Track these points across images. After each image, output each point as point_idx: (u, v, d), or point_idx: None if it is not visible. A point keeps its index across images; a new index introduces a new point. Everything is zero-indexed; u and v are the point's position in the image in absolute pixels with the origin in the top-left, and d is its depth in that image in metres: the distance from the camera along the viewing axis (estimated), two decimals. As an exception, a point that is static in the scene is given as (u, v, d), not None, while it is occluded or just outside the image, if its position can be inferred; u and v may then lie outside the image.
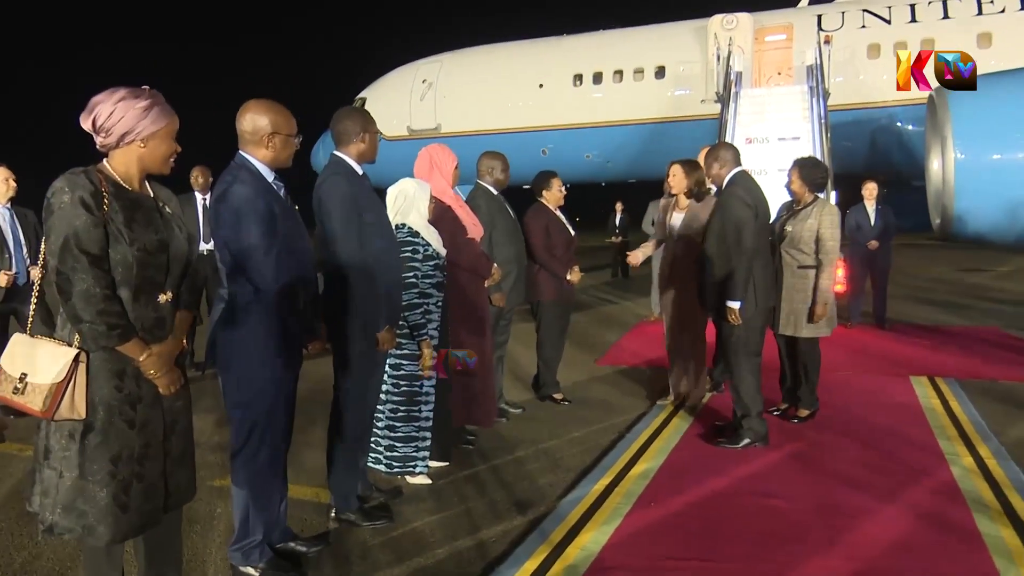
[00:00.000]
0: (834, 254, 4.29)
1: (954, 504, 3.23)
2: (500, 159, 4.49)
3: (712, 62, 12.06)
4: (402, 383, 3.46)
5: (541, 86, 13.81)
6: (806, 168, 4.44)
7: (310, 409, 3.86)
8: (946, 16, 11.53)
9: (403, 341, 3.36)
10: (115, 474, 1.98)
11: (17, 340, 2.01)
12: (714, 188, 4.90)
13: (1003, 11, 11.14)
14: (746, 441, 4.01)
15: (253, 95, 2.63)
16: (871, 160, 11.69)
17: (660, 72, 13.04)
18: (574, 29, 14.98)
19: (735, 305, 3.92)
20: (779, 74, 12.58)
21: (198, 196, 6.29)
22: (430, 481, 3.58)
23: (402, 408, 3.47)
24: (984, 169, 7.20)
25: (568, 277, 4.85)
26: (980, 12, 11.29)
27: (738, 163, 4.14)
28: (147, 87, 2.08)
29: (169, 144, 2.11)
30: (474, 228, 3.95)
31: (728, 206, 3.98)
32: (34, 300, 2.15)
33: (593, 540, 2.92)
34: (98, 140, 2.03)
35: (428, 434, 3.52)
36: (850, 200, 8.03)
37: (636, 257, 5.26)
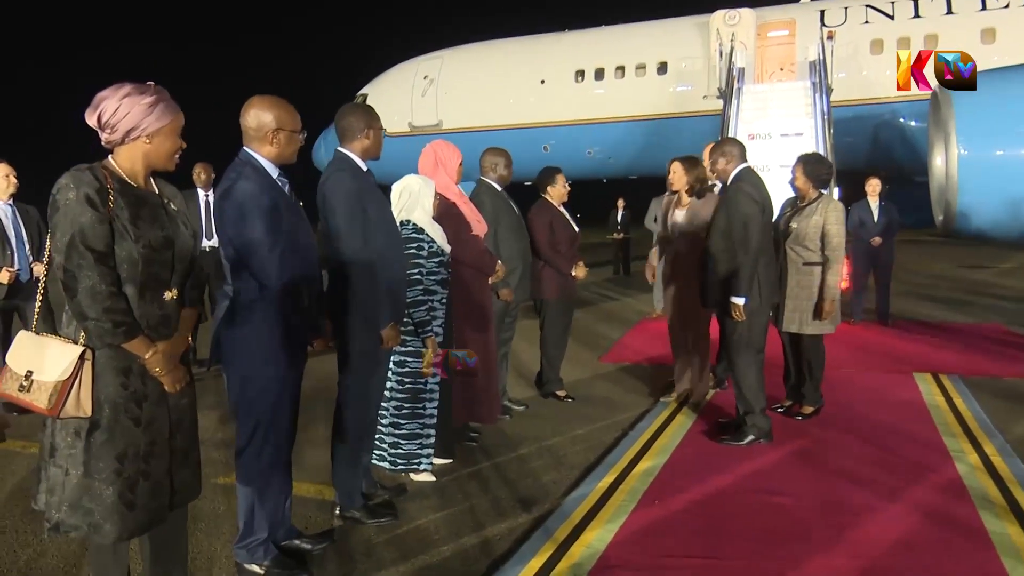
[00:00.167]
0: (841, 251, 4.28)
1: (960, 501, 3.22)
2: (503, 155, 4.48)
3: (714, 58, 12.03)
4: (406, 380, 3.45)
5: (543, 82, 13.78)
6: (810, 164, 4.43)
7: (314, 406, 3.85)
8: (950, 11, 11.50)
9: (407, 338, 3.35)
10: (121, 472, 1.98)
11: (23, 338, 2.00)
12: (716, 184, 4.90)
13: (1007, 6, 11.11)
14: (750, 438, 4.00)
15: (254, 92, 2.61)
16: (874, 156, 11.68)
17: (662, 68, 13.01)
18: (576, 25, 14.96)
19: (740, 301, 3.91)
20: (782, 70, 12.55)
21: (200, 192, 6.27)
22: (434, 478, 3.57)
23: (406, 405, 3.46)
24: (987, 165, 7.20)
25: (573, 273, 4.84)
26: (984, 7, 11.25)
27: (744, 159, 4.12)
28: (152, 83, 2.06)
29: (174, 140, 2.10)
30: (478, 225, 3.94)
31: (735, 202, 3.97)
32: (39, 297, 2.14)
33: (598, 538, 2.92)
34: (103, 136, 2.02)
35: (432, 431, 3.51)
36: (852, 196, 8.01)
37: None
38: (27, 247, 4.79)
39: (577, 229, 4.98)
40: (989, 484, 3.40)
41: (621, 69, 13.30)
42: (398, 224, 3.28)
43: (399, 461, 3.49)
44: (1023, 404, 4.71)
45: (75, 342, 1.96)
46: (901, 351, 6.43)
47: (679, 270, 4.80)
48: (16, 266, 4.70)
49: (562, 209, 4.94)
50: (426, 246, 3.38)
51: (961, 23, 11.23)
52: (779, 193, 4.60)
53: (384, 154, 3.22)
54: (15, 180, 4.80)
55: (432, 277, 3.41)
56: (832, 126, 9.29)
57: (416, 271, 3.33)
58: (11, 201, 4.79)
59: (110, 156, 2.05)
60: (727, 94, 10.58)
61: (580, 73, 13.58)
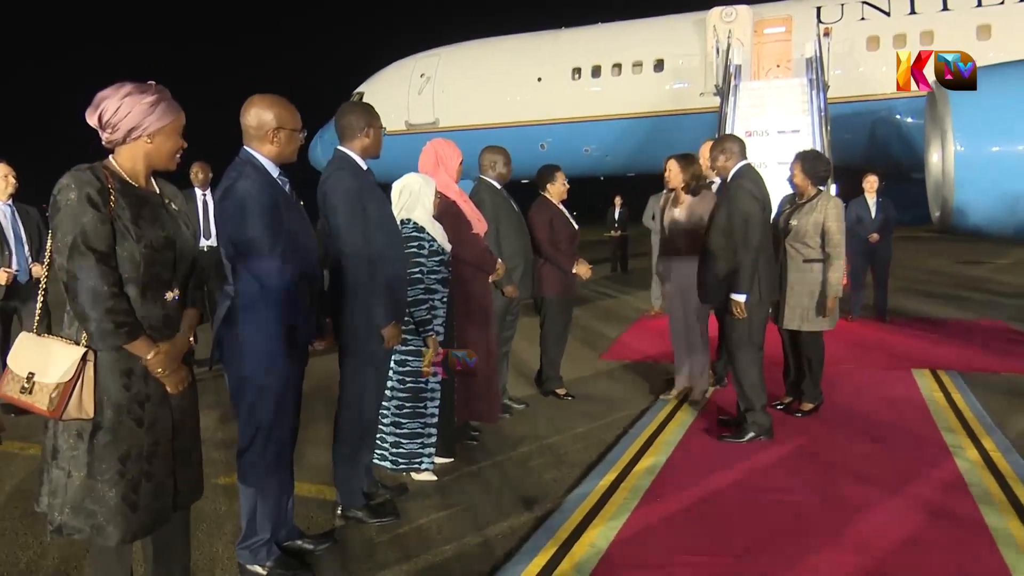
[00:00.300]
0: (841, 247, 4.28)
1: (960, 497, 3.23)
2: (502, 153, 4.47)
3: (711, 55, 12.05)
4: (408, 379, 3.44)
5: (539, 80, 13.78)
6: (808, 161, 4.43)
7: (315, 406, 3.84)
8: (945, 8, 11.53)
9: (408, 337, 3.35)
10: (124, 473, 1.97)
11: (25, 339, 1.99)
12: (714, 182, 4.90)
13: (1002, 3, 11.15)
14: (751, 435, 4.01)
15: (253, 92, 2.60)
16: (870, 153, 11.71)
17: (659, 65, 13.02)
18: (572, 22, 14.94)
19: (740, 298, 3.91)
20: (778, 67, 12.57)
21: (198, 192, 6.25)
22: (435, 478, 3.57)
23: (408, 404, 3.45)
24: (984, 161, 7.21)
25: (574, 270, 4.84)
26: (979, 4, 11.28)
27: (744, 156, 4.12)
28: (153, 82, 2.05)
29: (175, 140, 2.09)
30: (478, 223, 3.93)
31: (736, 199, 3.97)
32: (40, 298, 2.13)
33: (601, 536, 2.92)
34: (104, 136, 2.01)
35: (434, 431, 3.51)
36: (850, 193, 8.02)
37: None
38: (26, 248, 4.76)
39: (576, 227, 4.98)
40: (989, 479, 3.41)
41: (618, 67, 13.31)
42: (399, 223, 3.27)
43: (400, 460, 3.49)
44: (1021, 399, 4.72)
45: (77, 343, 1.95)
46: (899, 347, 6.44)
47: (677, 267, 4.80)
48: (14, 267, 4.67)
49: (562, 207, 4.94)
50: (427, 245, 3.37)
51: (957, 20, 11.27)
52: (777, 190, 4.61)
53: (381, 152, 3.21)
54: (14, 180, 4.77)
55: (433, 276, 3.40)
56: (829, 123, 9.31)
57: (417, 270, 3.32)
58: (10, 201, 4.76)
59: (111, 156, 2.04)
60: (724, 91, 10.60)
61: (577, 71, 13.58)
